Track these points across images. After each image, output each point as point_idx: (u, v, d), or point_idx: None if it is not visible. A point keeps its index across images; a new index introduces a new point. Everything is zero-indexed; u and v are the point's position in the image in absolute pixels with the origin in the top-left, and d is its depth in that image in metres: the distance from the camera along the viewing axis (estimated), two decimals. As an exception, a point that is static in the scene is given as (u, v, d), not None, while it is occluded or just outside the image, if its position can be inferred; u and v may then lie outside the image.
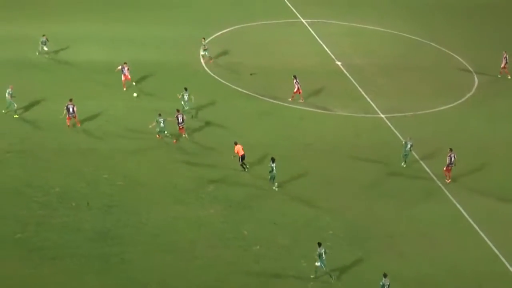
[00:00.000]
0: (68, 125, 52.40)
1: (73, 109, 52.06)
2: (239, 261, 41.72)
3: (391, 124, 56.08)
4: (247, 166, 49.27)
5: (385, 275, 38.93)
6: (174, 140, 52.15)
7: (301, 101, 58.13)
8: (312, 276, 40.63)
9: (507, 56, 63.50)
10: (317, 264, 40.31)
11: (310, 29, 72.01)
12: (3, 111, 53.48)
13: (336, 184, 48.92)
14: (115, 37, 67.04)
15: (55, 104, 53.90)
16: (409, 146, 50.89)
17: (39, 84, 58.18)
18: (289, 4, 77.61)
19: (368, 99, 59.57)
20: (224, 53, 65.83)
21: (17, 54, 62.50)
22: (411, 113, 57.78)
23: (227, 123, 54.85)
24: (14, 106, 53.49)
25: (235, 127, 54.43)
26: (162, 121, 51.64)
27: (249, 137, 52.75)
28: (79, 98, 54.36)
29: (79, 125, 52.62)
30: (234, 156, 49.00)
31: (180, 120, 52.12)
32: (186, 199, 46.45)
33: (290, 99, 58.19)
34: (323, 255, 40.21)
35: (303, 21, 73.80)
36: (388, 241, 43.94)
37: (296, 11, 75.86)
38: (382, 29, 73.05)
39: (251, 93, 59.21)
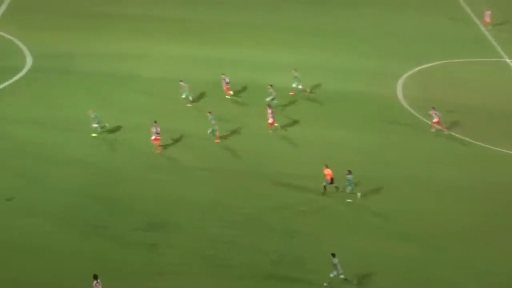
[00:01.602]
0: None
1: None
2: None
3: None
4: (338, 188, 48.52)
5: None
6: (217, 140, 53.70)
7: (432, 130, 56.99)
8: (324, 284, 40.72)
9: None
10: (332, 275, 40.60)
11: (515, 70, 69.69)
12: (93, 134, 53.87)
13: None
14: (311, 64, 67.13)
15: (251, 127, 54.94)
16: None
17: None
18: (494, 43, 75.28)
19: None
20: (423, 88, 64.74)
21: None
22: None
23: (415, 160, 53.79)
24: (97, 126, 53.89)
25: (424, 164, 53.22)
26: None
27: (439, 177, 51.49)
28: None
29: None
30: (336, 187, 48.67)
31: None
32: (375, 233, 45.76)
33: (432, 130, 56.92)
34: (338, 265, 40.45)
35: (508, 61, 71.34)
36: None
37: (502, 50, 73.43)
38: None
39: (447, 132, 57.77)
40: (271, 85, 58.50)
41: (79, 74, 62.51)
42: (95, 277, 38.76)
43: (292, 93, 60.85)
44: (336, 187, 48.74)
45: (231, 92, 60.30)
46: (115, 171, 50.33)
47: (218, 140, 53.93)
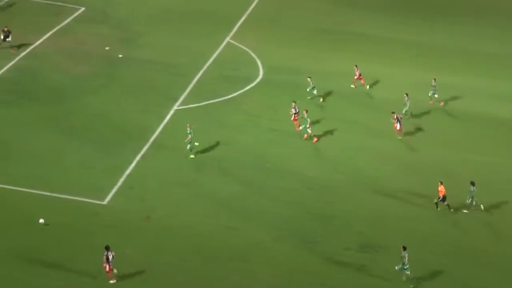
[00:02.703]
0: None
1: None
2: None
3: None
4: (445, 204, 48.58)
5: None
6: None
7: None
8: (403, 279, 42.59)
9: None
10: (398, 267, 42.43)
11: None
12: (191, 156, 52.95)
13: None
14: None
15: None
16: None
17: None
18: None
19: None
20: None
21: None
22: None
23: None
24: (192, 145, 52.78)
25: None
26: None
27: None
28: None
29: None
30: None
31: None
32: None
33: None
34: (406, 259, 42.02)
35: None
36: None
37: None
38: None
39: None
40: (407, 94, 58.95)
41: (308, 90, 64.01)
42: (107, 248, 40.55)
43: (431, 102, 61.52)
44: (448, 205, 48.49)
45: (367, 87, 63.45)
46: (333, 188, 51.04)
47: (305, 136, 55.88)
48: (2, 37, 64.45)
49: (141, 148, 53.47)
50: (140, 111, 58.59)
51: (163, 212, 47.35)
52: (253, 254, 44.33)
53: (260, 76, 65.54)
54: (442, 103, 61.97)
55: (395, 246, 45.10)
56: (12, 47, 65.23)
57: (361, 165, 53.26)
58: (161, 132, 55.89)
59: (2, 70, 62.47)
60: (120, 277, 41.41)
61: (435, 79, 61.33)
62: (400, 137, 56.55)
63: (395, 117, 56.27)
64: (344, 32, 75.43)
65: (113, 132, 55.47)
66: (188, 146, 52.60)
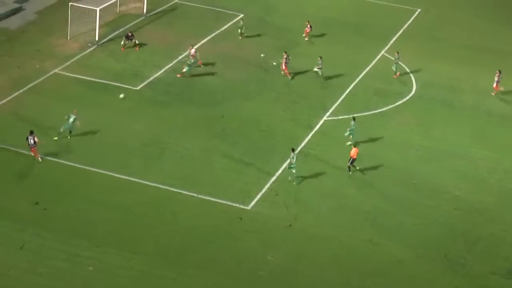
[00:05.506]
0: None
1: None
2: None
3: None
4: (356, 169, 51.94)
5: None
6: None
7: None
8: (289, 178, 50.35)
9: None
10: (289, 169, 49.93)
11: None
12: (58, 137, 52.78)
13: None
14: None
15: None
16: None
17: None
18: None
19: None
20: None
21: None
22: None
23: None
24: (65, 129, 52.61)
25: None
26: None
27: None
28: None
29: None
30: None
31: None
32: None
33: None
34: (293, 161, 49.45)
35: None
36: None
37: None
38: None
39: None
40: (320, 57, 64.74)
41: (462, 108, 62.74)
42: (31, 132, 47.97)
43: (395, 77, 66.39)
44: (353, 167, 51.91)
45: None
46: (481, 209, 49.83)
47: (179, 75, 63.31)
48: (128, 37, 68.43)
49: (288, 156, 53.92)
50: (290, 119, 59.09)
51: (305, 221, 47.53)
52: (394, 271, 43.83)
53: (413, 92, 64.77)
54: (398, 73, 66.35)
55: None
56: (135, 45, 68.39)
57: (511, 188, 51.66)
58: (309, 141, 56.16)
59: (161, 71, 64.52)
60: (263, 285, 42.00)
61: (398, 52, 66.44)
62: (290, 78, 64.29)
63: (285, 57, 63.85)
64: (499, 51, 73.89)
65: (263, 138, 56.18)
66: (64, 128, 52.59)
